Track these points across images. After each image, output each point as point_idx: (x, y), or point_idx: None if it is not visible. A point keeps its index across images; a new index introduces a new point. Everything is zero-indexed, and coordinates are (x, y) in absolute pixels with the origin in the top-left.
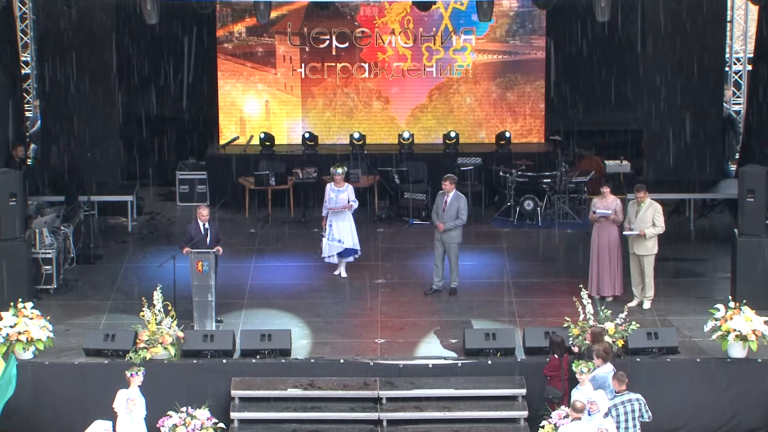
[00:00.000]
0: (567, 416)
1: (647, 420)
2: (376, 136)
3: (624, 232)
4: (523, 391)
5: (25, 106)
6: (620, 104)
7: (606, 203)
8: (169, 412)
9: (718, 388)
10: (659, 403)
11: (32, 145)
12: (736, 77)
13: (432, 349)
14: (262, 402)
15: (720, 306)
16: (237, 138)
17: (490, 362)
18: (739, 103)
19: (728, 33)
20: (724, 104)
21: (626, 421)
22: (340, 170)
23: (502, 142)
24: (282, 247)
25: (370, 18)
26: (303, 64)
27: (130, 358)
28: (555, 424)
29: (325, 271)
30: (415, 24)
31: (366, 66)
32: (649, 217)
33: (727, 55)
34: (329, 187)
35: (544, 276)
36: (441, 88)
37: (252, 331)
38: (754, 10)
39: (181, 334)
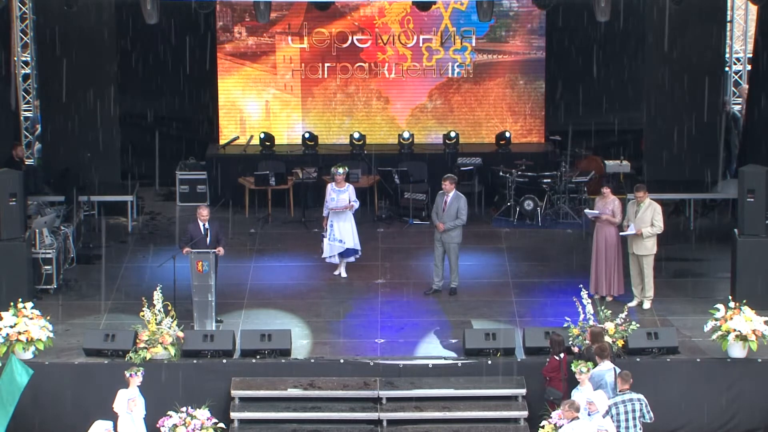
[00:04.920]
0: None
1: (649, 421)
2: (376, 136)
3: (621, 233)
4: (523, 391)
5: (25, 106)
6: (620, 104)
7: (605, 203)
8: (169, 412)
9: (718, 388)
10: (659, 403)
11: (38, 145)
12: (736, 77)
13: (432, 349)
14: (262, 402)
15: (720, 306)
16: (237, 138)
17: (490, 362)
18: (739, 103)
19: (728, 33)
20: (733, 105)
21: (626, 420)
22: (341, 170)
23: (502, 142)
24: (282, 247)
25: (370, 18)
26: (303, 64)
27: (130, 358)
28: (555, 424)
29: (325, 271)
30: (415, 24)
31: (366, 66)
32: (649, 217)
33: (727, 55)
34: (330, 188)
35: (544, 276)
36: (441, 88)
37: (252, 331)
38: (754, 10)
39: (181, 334)
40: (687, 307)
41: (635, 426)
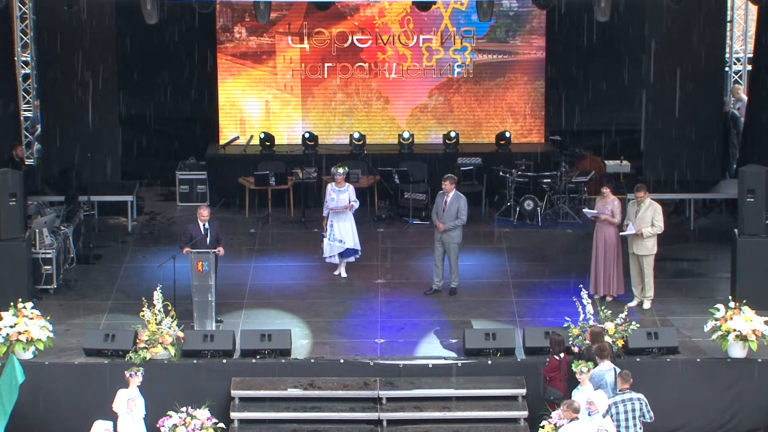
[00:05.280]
0: None
1: (649, 420)
2: (376, 136)
3: (621, 233)
4: (523, 391)
5: (25, 106)
6: (620, 104)
7: (605, 203)
8: (169, 412)
9: (718, 388)
10: (659, 403)
11: (36, 145)
12: (736, 77)
13: (432, 349)
14: (262, 402)
15: (720, 306)
16: (237, 138)
17: (490, 362)
18: (732, 103)
19: (728, 33)
20: (731, 104)
21: (626, 420)
22: (341, 170)
23: (502, 142)
24: (282, 247)
25: (370, 18)
26: (303, 64)
27: (130, 358)
28: (555, 424)
29: (325, 271)
30: (415, 24)
31: (366, 66)
32: (649, 216)
33: (727, 55)
34: (330, 188)
35: (544, 276)
36: (441, 88)
37: (252, 331)
38: (754, 10)
39: (181, 334)
40: (687, 307)
41: (635, 425)
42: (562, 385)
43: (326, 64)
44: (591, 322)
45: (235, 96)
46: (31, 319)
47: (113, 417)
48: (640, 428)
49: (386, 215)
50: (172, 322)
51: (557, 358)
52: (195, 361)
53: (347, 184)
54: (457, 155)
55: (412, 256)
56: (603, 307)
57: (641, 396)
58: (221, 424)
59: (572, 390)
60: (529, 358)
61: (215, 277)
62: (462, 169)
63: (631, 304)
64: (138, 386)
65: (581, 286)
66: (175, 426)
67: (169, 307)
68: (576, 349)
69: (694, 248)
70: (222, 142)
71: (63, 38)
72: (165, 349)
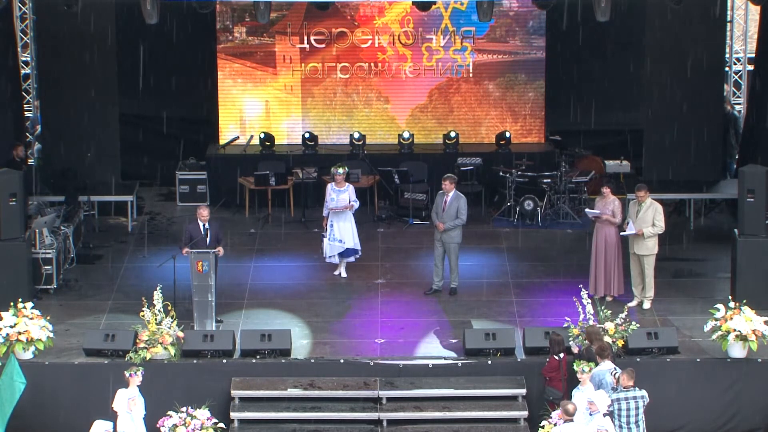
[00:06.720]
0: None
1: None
2: (376, 136)
3: (621, 233)
4: (523, 391)
5: (25, 106)
6: (620, 104)
7: (605, 203)
8: (169, 412)
9: (718, 388)
10: (659, 403)
11: (36, 145)
12: (736, 77)
13: (432, 349)
14: (262, 402)
15: (720, 306)
16: (237, 138)
17: (490, 362)
18: (739, 103)
19: (728, 33)
20: (731, 104)
21: (628, 416)
22: (341, 170)
23: (502, 142)
24: (282, 247)
25: (370, 18)
26: (303, 64)
27: (130, 358)
28: (555, 424)
29: (325, 271)
30: (415, 24)
31: (366, 66)
32: (650, 216)
33: (727, 55)
34: (330, 188)
35: (544, 276)
36: (441, 88)
37: (252, 331)
38: (754, 10)
39: (181, 334)
40: (687, 307)
41: (637, 425)
42: (561, 385)
43: (326, 64)
44: (591, 322)
45: (235, 96)
46: (31, 319)
47: (113, 417)
48: (643, 426)
49: (386, 215)
50: (172, 322)
51: (557, 358)
52: (195, 361)
53: (347, 184)
54: (457, 155)
55: (412, 256)
56: (603, 307)
57: (644, 393)
58: (221, 424)
59: (572, 390)
60: (529, 358)
61: (215, 277)
62: (462, 169)
63: (631, 304)
64: (138, 386)
65: (581, 286)
66: (175, 426)
67: (169, 307)
68: (576, 349)
69: (694, 248)
70: (222, 142)
71: (63, 38)
72: (165, 349)
